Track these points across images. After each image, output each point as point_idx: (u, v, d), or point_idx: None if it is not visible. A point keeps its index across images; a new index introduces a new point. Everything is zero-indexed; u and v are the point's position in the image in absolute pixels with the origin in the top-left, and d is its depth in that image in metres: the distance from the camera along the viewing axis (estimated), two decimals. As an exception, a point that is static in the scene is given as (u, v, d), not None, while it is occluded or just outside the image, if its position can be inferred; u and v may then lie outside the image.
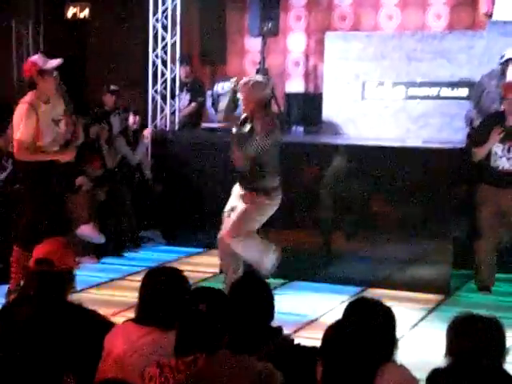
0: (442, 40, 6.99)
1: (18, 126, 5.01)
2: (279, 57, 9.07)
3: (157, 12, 7.79)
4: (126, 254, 6.87)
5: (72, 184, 6.42)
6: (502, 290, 5.79)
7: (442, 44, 6.91)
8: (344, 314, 2.53)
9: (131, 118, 7.34)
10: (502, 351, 2.43)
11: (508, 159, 5.60)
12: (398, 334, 2.61)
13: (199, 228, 7.09)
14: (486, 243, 5.66)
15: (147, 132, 7.42)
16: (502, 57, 6.13)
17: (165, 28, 7.82)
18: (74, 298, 3.11)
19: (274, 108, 8.20)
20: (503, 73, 6.07)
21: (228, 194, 6.38)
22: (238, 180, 5.26)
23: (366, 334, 2.19)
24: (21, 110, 5.04)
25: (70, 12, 9.53)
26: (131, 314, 4.45)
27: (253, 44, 8.92)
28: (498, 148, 5.60)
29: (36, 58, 5.24)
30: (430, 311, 5.29)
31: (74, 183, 6.50)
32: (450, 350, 2.44)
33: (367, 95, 7.12)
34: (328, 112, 7.21)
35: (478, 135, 5.79)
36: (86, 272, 5.97)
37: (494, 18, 6.84)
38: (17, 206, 5.49)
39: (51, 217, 5.09)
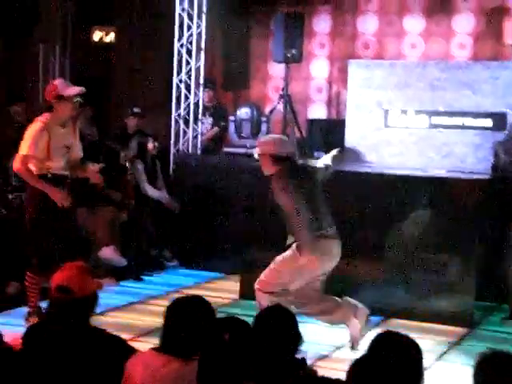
0: (466, 70, 6.98)
1: (27, 142, 5.00)
2: (302, 83, 9.09)
3: (182, 37, 7.86)
4: (145, 278, 6.86)
5: (89, 203, 6.38)
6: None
7: (466, 74, 6.89)
8: (370, 348, 2.50)
9: (150, 144, 7.29)
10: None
11: None
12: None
13: (219, 253, 7.07)
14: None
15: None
16: None
17: (189, 53, 7.88)
18: (93, 321, 3.09)
19: (296, 133, 8.23)
20: None
21: (249, 219, 6.37)
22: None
23: (393, 369, 2.15)
24: (34, 127, 5.05)
25: (96, 36, 9.64)
26: (149, 339, 4.47)
27: (276, 70, 8.96)
28: None
29: (58, 82, 5.28)
30: (454, 344, 5.21)
31: (91, 203, 6.45)
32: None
33: (390, 123, 7.11)
34: (351, 139, 7.20)
35: None
36: (105, 294, 5.95)
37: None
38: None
39: (60, 236, 5.06)
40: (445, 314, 5.56)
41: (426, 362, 2.41)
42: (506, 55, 7.54)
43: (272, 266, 4.78)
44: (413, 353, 2.46)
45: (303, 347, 2.90)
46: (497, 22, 7.96)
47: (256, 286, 4.79)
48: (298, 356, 2.83)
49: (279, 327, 2.79)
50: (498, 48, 7.98)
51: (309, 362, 2.95)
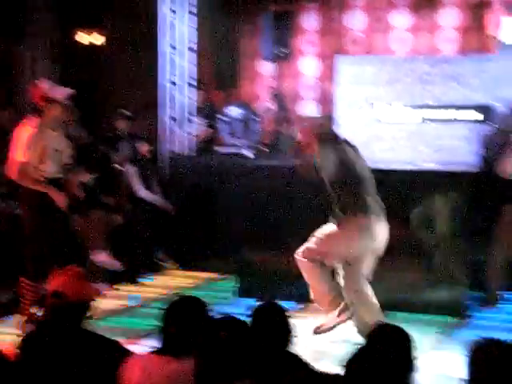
0: (454, 64, 7.03)
1: (23, 149, 4.94)
2: (292, 81, 9.13)
3: (170, 37, 7.87)
4: (141, 280, 6.85)
5: (82, 208, 6.38)
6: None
7: (454, 68, 6.95)
8: (367, 342, 2.53)
9: (143, 147, 7.24)
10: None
11: None
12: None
13: (215, 253, 7.09)
14: (496, 258, 5.72)
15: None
16: None
17: (178, 53, 7.90)
18: (89, 325, 3.10)
19: (288, 131, 8.26)
20: None
21: (246, 218, 6.39)
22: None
23: (387, 361, 2.19)
24: (26, 132, 4.99)
25: (83, 37, 9.62)
26: (146, 342, 4.48)
27: (266, 68, 8.98)
28: None
29: (45, 83, 5.20)
30: (447, 334, 5.27)
31: (83, 207, 6.44)
32: (471, 377, 2.43)
33: (380, 119, 7.14)
34: (342, 135, 7.21)
35: None
36: (101, 299, 5.95)
37: (500, 40, 6.90)
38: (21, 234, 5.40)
39: (58, 242, 5.05)
40: (439, 305, 5.61)
41: (420, 353, 2.44)
42: (490, 48, 7.59)
43: (315, 236, 4.87)
44: (406, 344, 2.50)
45: (297, 342, 2.94)
46: (481, 15, 8.02)
47: (297, 254, 4.88)
48: (292, 351, 2.87)
49: (273, 323, 2.82)
50: (483, 41, 8.03)
51: (304, 357, 2.98)
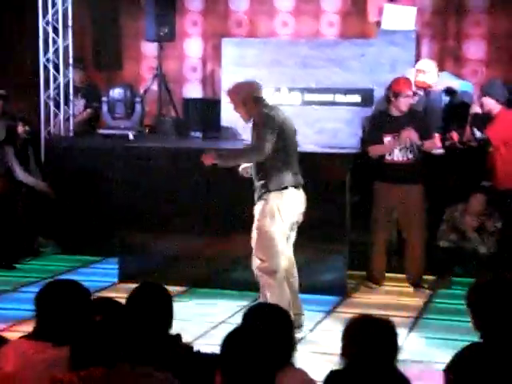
0: (335, 47, 7.15)
1: None
2: (176, 62, 9.00)
3: (47, 14, 7.57)
4: (18, 266, 6.63)
5: None
6: (396, 289, 6.00)
7: (335, 51, 7.07)
8: (242, 321, 2.54)
9: (20, 127, 6.98)
10: (394, 351, 2.50)
11: (399, 150, 5.82)
12: (296, 336, 2.64)
13: (96, 236, 6.95)
14: (376, 240, 5.92)
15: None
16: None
17: (56, 31, 7.60)
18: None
19: (172, 113, 8.17)
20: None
21: (127, 201, 6.28)
22: None
23: (264, 339, 2.20)
24: None
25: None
26: (23, 328, 4.34)
27: (149, 49, 8.82)
28: (387, 140, 5.80)
29: None
30: (328, 313, 5.40)
31: None
32: (345, 352, 2.49)
33: (264, 101, 7.18)
34: (226, 118, 7.21)
35: (371, 135, 5.98)
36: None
37: (382, 27, 7.10)
38: None
39: None
40: (319, 285, 5.74)
41: (303, 331, 2.48)
42: (370, 33, 7.79)
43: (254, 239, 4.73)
44: (283, 320, 2.53)
45: (181, 324, 2.92)
46: (362, 0, 8.21)
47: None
48: (174, 333, 2.83)
49: (150, 304, 2.78)
50: (363, 26, 8.22)
51: (186, 339, 2.96)
